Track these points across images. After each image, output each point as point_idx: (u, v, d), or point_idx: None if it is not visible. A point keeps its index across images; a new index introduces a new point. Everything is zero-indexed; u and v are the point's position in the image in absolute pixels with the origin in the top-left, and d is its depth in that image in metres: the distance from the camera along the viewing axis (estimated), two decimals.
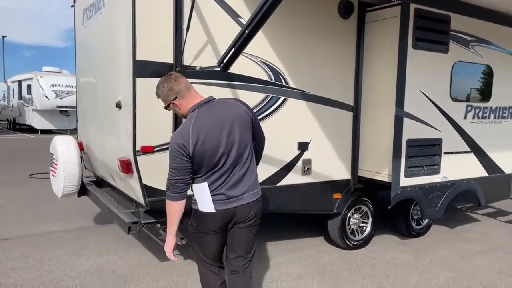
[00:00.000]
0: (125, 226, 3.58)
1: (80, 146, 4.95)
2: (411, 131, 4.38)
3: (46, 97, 20.11)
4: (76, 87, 5.55)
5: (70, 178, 4.62)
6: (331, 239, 4.97)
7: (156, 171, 3.55)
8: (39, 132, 20.83)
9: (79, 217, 5.99)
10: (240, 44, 2.72)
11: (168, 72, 3.45)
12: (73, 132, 20.98)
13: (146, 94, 3.44)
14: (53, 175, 4.87)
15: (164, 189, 3.50)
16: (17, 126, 23.31)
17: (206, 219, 2.62)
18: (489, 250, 5.09)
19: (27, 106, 21.10)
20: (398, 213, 5.33)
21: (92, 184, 5.11)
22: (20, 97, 22.02)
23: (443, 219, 5.71)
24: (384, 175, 4.48)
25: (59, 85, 20.62)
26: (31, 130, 21.26)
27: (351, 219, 4.94)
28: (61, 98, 20.66)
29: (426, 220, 5.57)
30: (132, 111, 3.44)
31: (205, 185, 2.57)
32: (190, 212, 2.72)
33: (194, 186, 2.62)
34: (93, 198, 4.74)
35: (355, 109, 4.64)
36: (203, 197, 2.58)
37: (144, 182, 3.51)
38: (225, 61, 2.84)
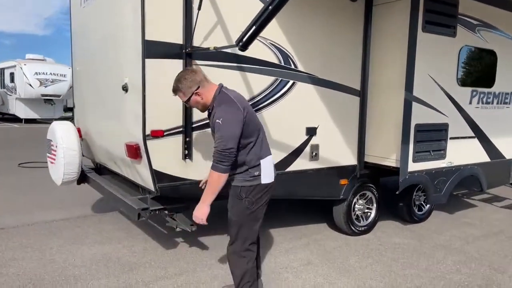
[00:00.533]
0: (134, 213, 3.47)
1: (79, 133, 4.79)
2: (419, 115, 4.35)
3: (30, 85, 19.59)
4: (72, 71, 5.35)
5: (70, 165, 4.47)
6: (336, 225, 4.94)
7: (166, 156, 3.46)
8: (23, 121, 20.34)
9: (76, 206, 5.84)
10: (262, 21, 2.62)
11: (177, 53, 3.37)
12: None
13: (155, 76, 3.33)
14: (52, 162, 4.70)
15: (174, 174, 3.48)
16: (0, 116, 22.71)
17: (267, 191, 2.87)
18: (491, 234, 5.13)
19: (10, 95, 20.53)
20: (401, 199, 5.34)
21: (92, 171, 4.97)
22: (3, 85, 21.40)
23: (442, 205, 5.75)
24: (391, 160, 4.45)
25: (43, 73, 20.10)
26: (14, 119, 20.72)
27: (356, 205, 4.92)
28: (45, 87, 20.17)
29: (428, 205, 5.59)
30: (141, 94, 3.31)
31: (270, 157, 2.91)
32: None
33: (263, 161, 2.83)
34: (95, 186, 4.61)
35: (362, 94, 4.59)
36: (269, 170, 2.87)
37: (154, 167, 3.40)
38: (244, 40, 2.73)
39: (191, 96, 2.79)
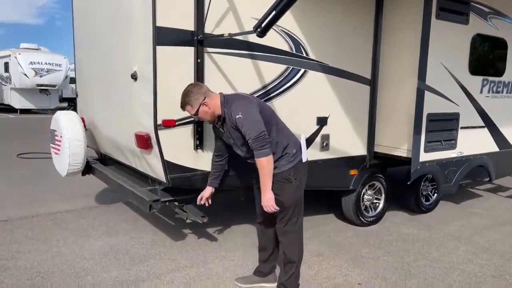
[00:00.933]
0: (146, 205, 3.40)
1: (82, 123, 4.68)
2: (432, 105, 4.28)
3: (25, 75, 19.32)
4: (74, 59, 5.21)
5: (75, 156, 4.38)
6: (344, 215, 4.90)
7: (177, 146, 3.39)
8: (18, 112, 20.09)
9: (79, 197, 5.75)
10: (283, 6, 2.52)
11: (189, 40, 3.28)
12: (54, 112, 20.47)
13: (167, 64, 3.23)
14: (56, 153, 4.60)
15: (185, 165, 3.40)
16: None
17: (306, 168, 3.10)
18: (498, 224, 5.11)
19: (5, 85, 20.25)
20: (408, 189, 5.29)
21: (97, 162, 4.87)
22: None
23: (448, 195, 5.71)
24: (402, 151, 4.40)
25: (39, 63, 19.82)
26: (9, 110, 20.46)
27: (365, 196, 4.87)
28: (40, 76, 19.90)
29: (435, 196, 5.56)
30: (152, 83, 3.21)
31: (300, 137, 3.10)
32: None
33: (294, 139, 3.04)
34: (101, 177, 4.52)
35: (372, 83, 4.51)
36: (303, 146, 3.05)
37: (165, 157, 3.32)
38: (263, 25, 2.64)
39: (199, 108, 2.89)
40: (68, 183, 6.40)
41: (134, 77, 3.45)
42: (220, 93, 2.98)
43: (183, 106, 2.96)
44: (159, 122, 3.25)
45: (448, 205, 5.86)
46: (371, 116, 4.57)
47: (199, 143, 3.44)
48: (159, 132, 3.26)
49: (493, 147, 5.18)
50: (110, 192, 6.02)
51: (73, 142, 4.33)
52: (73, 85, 25.68)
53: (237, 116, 2.77)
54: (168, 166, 3.34)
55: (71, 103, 25.29)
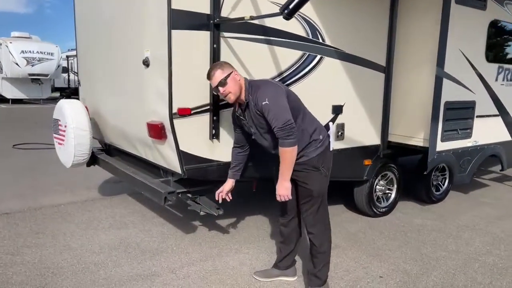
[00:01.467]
0: (161, 197, 3.26)
1: None
2: (449, 93, 4.18)
3: (17, 64, 18.92)
4: (76, 45, 5.01)
5: (81, 146, 4.21)
6: (356, 206, 4.80)
7: (193, 136, 3.24)
8: (10, 101, 19.70)
9: (81, 188, 5.60)
10: None
11: (205, 24, 3.12)
12: (46, 101, 19.93)
13: (182, 48, 3.07)
14: (60, 144, 4.43)
15: (201, 155, 3.26)
16: None
17: (332, 156, 3.01)
18: (511, 215, 5.06)
19: None
20: (419, 179, 5.22)
21: (102, 153, 4.71)
22: None
23: (455, 185, 5.62)
24: (418, 140, 4.29)
25: (30, 52, 19.40)
26: (1, 100, 20.05)
27: (377, 186, 4.78)
28: (32, 66, 19.51)
29: (445, 185, 5.49)
30: (167, 69, 3.05)
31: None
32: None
33: (320, 125, 2.95)
34: (108, 168, 4.37)
35: (387, 70, 4.38)
36: (329, 132, 2.97)
37: (181, 148, 3.17)
38: (291, 7, 2.48)
39: (229, 75, 2.74)
40: (69, 174, 6.21)
41: (146, 63, 3.28)
42: (245, 78, 2.83)
43: (211, 72, 2.78)
44: (174, 110, 3.10)
45: (457, 195, 5.79)
46: (385, 104, 4.45)
47: (215, 133, 3.29)
48: (175, 121, 3.11)
49: (506, 136, 5.10)
50: (113, 183, 5.88)
51: (78, 132, 4.17)
52: (65, 75, 25.34)
53: (264, 103, 2.63)
54: (184, 157, 3.20)
55: (63, 93, 24.94)
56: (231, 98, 2.79)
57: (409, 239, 4.17)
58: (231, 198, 3.23)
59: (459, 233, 4.38)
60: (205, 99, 3.22)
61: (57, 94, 25.05)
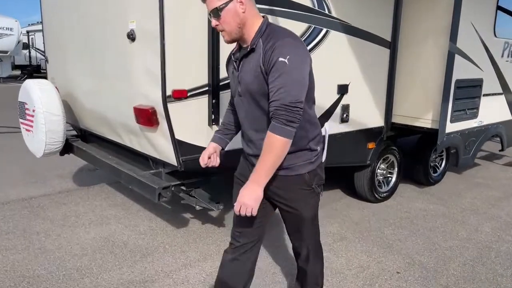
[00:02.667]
0: (153, 193, 2.83)
1: None
2: (460, 70, 3.89)
3: None
4: (41, 16, 4.39)
5: (53, 133, 3.70)
6: (357, 192, 4.52)
7: (190, 122, 2.82)
8: None
9: (53, 179, 5.06)
10: None
11: None
12: (6, 80, 18.73)
13: (176, 19, 2.60)
14: (28, 130, 3.89)
15: (199, 144, 2.84)
16: None
17: (324, 166, 2.11)
18: (510, 195, 4.92)
19: None
20: (417, 161, 5.00)
21: (78, 140, 4.20)
22: None
23: (460, 167, 5.44)
24: (425, 121, 4.01)
25: None
26: None
27: (378, 170, 4.50)
28: None
29: (442, 166, 5.30)
30: (159, 43, 2.58)
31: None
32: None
33: (322, 129, 2.09)
34: (86, 157, 3.88)
35: (393, 45, 4.04)
36: (326, 141, 2.11)
37: (176, 136, 2.74)
38: None
39: (228, 2, 1.79)
40: (38, 162, 5.65)
41: (131, 36, 2.79)
42: (264, 16, 1.91)
43: None
44: (168, 93, 2.65)
45: (452, 175, 5.63)
46: (389, 83, 4.13)
47: (215, 118, 2.87)
48: (169, 105, 2.66)
49: (507, 115, 4.91)
50: (89, 171, 5.38)
51: (49, 117, 3.64)
52: (26, 51, 23.79)
53: (281, 59, 1.72)
54: (180, 147, 2.77)
55: (24, 71, 23.49)
56: (225, 38, 1.90)
57: (417, 226, 3.93)
58: (218, 163, 2.18)
59: (464, 218, 4.18)
60: (203, 79, 2.78)
61: (17, 72, 23.60)
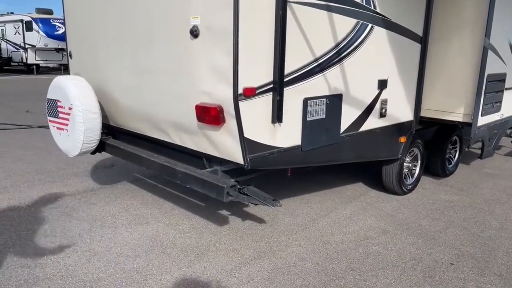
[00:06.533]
0: (221, 192, 2.79)
1: None
2: (491, 65, 3.99)
3: None
4: (63, 10, 4.21)
5: (91, 132, 3.59)
6: (384, 185, 4.59)
7: (257, 120, 2.79)
8: None
9: (70, 177, 4.90)
10: None
11: None
12: None
13: (249, 16, 2.56)
14: (61, 129, 3.74)
15: (264, 142, 2.83)
16: None
17: None
18: None
19: None
20: (435, 153, 5.12)
21: (109, 137, 4.07)
22: None
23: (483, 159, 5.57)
24: (457, 115, 4.11)
25: None
26: None
27: (404, 163, 4.59)
28: None
29: (456, 157, 5.46)
30: (231, 41, 2.53)
31: None
32: None
33: None
34: (122, 154, 3.77)
35: (424, 40, 4.11)
36: None
37: (245, 135, 2.70)
38: None
39: None
40: (45, 160, 5.54)
41: (194, 32, 2.72)
42: None
43: None
44: (239, 91, 2.60)
45: (461, 167, 5.80)
46: (420, 77, 4.20)
47: (279, 115, 2.84)
48: (240, 103, 2.62)
49: None
50: (104, 168, 5.25)
51: (88, 115, 3.53)
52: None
53: None
54: (248, 145, 2.73)
55: None
56: None
57: (450, 218, 4.04)
58: None
59: (490, 208, 4.33)
60: (269, 75, 2.75)
61: None
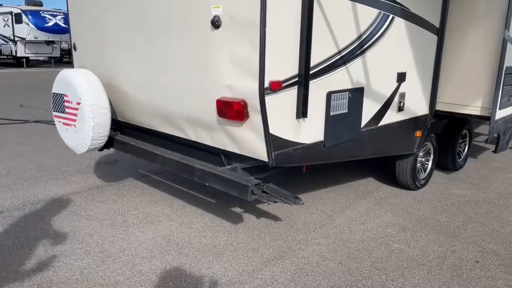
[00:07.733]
0: (245, 191, 2.67)
1: None
2: (509, 57, 3.91)
3: None
4: (67, 2, 4.02)
5: (100, 128, 3.44)
6: (398, 180, 4.51)
7: (282, 115, 2.67)
8: None
9: (74, 174, 4.74)
10: None
11: None
12: None
13: (276, 5, 2.42)
14: (68, 125, 3.59)
15: (288, 138, 2.72)
16: None
17: None
18: None
19: None
20: (445, 147, 5.05)
21: (118, 133, 3.92)
22: None
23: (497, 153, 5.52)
24: (475, 108, 4.04)
25: None
26: None
27: (417, 158, 4.51)
28: None
29: (465, 151, 5.41)
30: (258, 32, 2.40)
31: None
32: None
33: None
34: (132, 151, 3.63)
35: (441, 32, 4.01)
36: None
37: (271, 131, 2.58)
38: None
39: None
40: (45, 156, 5.37)
41: (216, 23, 2.58)
42: None
43: None
44: (266, 84, 2.48)
45: (469, 161, 5.74)
46: (436, 70, 4.11)
47: (304, 110, 2.72)
48: (266, 98, 2.49)
49: None
50: (107, 165, 5.10)
51: (97, 110, 3.38)
52: None
53: None
54: (273, 141, 2.61)
55: None
56: None
57: (467, 213, 3.98)
58: None
59: (506, 202, 4.27)
60: (294, 68, 2.63)
61: None
